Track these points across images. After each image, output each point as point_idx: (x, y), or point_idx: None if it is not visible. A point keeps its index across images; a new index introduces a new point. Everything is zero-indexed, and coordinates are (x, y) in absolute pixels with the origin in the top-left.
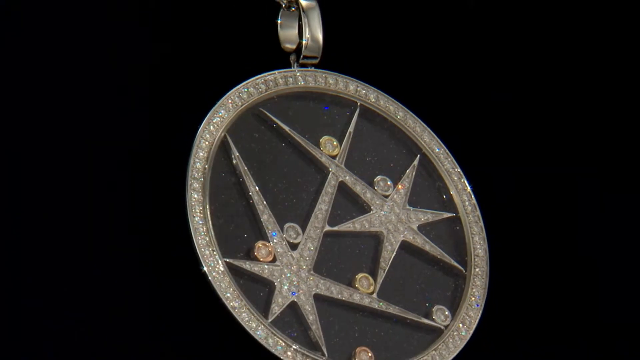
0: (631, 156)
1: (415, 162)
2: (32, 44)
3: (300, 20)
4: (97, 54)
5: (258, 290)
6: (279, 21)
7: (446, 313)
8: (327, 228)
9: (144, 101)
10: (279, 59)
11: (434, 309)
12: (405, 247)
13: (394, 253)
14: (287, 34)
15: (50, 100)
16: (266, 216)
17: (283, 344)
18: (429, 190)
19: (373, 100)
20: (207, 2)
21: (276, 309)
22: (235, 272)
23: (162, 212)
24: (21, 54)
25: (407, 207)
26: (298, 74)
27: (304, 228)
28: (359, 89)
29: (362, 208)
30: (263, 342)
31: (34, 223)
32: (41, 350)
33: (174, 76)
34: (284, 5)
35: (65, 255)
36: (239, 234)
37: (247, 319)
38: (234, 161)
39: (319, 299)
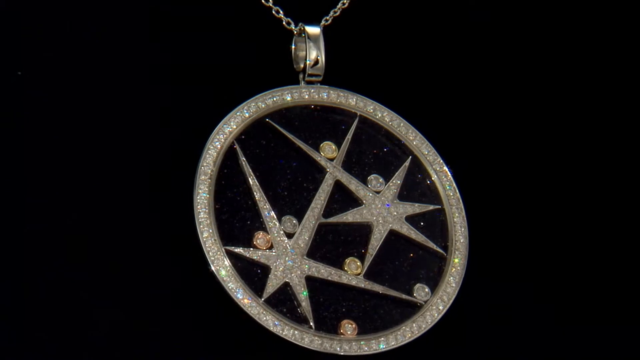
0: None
1: (407, 163)
2: (32, 45)
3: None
4: (124, 66)
5: (255, 274)
6: (293, 47)
7: (426, 290)
8: (322, 220)
9: (167, 109)
10: (294, 77)
11: (416, 286)
12: (393, 235)
13: (382, 240)
14: (299, 56)
15: (71, 105)
16: (266, 211)
17: (274, 318)
18: (418, 187)
19: (371, 111)
20: (234, 32)
21: (270, 289)
22: (235, 258)
23: (173, 210)
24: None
25: (397, 201)
26: (304, 89)
27: (300, 220)
28: (358, 101)
29: (355, 203)
30: (256, 318)
31: (39, 220)
32: (44, 349)
33: (199, 93)
34: (295, 33)
35: (74, 250)
36: (241, 226)
37: (241, 297)
38: (240, 162)
39: (310, 279)
